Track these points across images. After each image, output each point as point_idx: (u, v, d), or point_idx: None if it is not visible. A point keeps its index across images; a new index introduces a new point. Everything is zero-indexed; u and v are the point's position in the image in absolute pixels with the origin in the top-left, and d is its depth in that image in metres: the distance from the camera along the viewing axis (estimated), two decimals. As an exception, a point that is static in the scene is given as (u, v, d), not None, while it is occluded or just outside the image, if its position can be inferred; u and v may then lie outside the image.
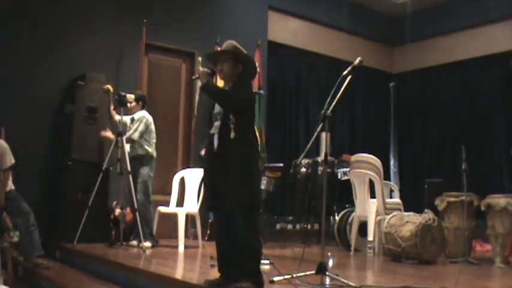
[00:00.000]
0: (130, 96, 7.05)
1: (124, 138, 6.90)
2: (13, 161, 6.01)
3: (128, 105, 7.10)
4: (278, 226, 9.08)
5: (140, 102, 7.24)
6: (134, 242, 6.88)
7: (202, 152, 4.20)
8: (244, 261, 3.79)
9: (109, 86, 7.21)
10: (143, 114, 7.14)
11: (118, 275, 5.35)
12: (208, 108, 8.66)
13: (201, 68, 4.20)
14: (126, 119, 7.18)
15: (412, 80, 11.52)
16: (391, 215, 6.51)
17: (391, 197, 7.93)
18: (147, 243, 6.71)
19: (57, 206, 7.21)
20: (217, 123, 3.95)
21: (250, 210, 3.80)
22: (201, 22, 8.98)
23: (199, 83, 8.68)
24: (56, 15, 7.66)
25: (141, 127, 7.03)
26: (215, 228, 4.22)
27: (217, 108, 4.03)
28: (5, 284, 5.33)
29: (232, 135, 3.81)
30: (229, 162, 3.80)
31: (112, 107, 7.22)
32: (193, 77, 4.35)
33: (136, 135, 6.99)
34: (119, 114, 6.97)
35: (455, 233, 6.51)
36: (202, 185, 7.03)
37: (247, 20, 9.22)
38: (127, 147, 6.92)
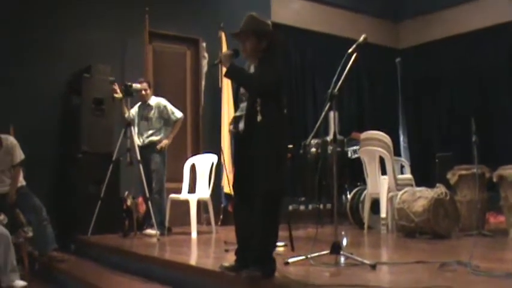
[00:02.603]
0: (136, 86, 7.02)
1: (176, 120, 7.21)
2: (23, 157, 6.03)
3: (143, 92, 7.14)
4: (290, 207, 9.07)
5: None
6: (148, 231, 6.89)
7: (231, 127, 4.06)
8: (258, 246, 3.70)
9: (112, 79, 7.19)
10: (160, 98, 7.29)
11: (134, 264, 5.38)
12: (215, 94, 8.67)
13: (224, 51, 3.98)
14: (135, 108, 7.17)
15: (419, 54, 11.43)
16: (403, 191, 6.49)
17: (402, 173, 7.91)
18: (153, 231, 6.69)
19: (70, 199, 7.24)
20: (243, 105, 3.84)
21: (274, 196, 3.68)
22: (204, 7, 8.93)
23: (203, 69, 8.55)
24: (59, 8, 7.64)
25: (173, 107, 7.26)
26: (234, 212, 4.11)
27: (243, 88, 3.91)
28: (21, 279, 5.36)
29: (259, 118, 3.67)
30: (256, 146, 3.69)
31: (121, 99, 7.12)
32: (216, 62, 4.11)
33: (180, 113, 7.27)
34: (126, 104, 6.95)
35: (468, 206, 6.49)
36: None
37: (250, 3, 9.12)
38: (135, 138, 6.89)
